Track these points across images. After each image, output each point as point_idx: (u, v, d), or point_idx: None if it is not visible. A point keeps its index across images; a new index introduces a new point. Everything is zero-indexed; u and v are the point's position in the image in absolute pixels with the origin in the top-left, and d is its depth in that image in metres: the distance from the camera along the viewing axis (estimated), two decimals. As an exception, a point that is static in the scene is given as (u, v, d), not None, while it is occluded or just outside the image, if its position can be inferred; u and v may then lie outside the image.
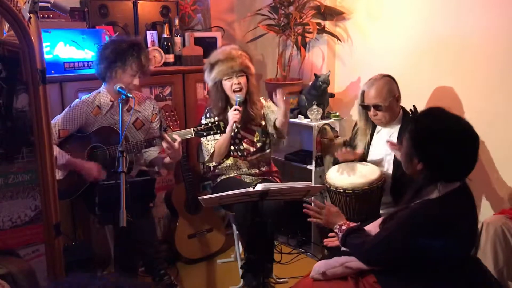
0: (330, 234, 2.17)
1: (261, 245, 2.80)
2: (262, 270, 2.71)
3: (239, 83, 2.86)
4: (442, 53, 2.94)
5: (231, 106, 2.89)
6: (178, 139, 2.66)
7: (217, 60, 2.87)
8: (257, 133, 3.03)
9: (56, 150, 2.58)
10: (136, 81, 2.72)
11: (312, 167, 3.34)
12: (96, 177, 2.63)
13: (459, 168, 1.76)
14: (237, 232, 2.87)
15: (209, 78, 2.92)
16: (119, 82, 2.67)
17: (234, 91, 2.86)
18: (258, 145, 3.04)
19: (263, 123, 3.06)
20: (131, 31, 3.41)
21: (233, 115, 2.79)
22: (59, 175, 2.66)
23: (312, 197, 2.43)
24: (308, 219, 2.18)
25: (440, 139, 1.73)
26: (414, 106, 2.71)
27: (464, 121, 1.78)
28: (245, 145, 3.00)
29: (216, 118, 2.84)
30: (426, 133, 1.77)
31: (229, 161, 3.01)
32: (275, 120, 2.98)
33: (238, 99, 2.84)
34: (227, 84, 2.88)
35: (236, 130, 2.91)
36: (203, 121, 2.96)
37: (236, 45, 3.02)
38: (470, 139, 1.74)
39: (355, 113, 3.49)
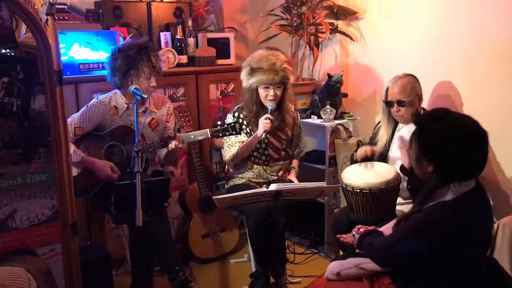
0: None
1: (273, 246, 2.82)
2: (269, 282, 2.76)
3: (275, 95, 2.82)
4: (455, 52, 2.92)
5: (263, 110, 2.86)
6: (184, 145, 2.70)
7: (260, 68, 2.80)
8: (284, 141, 3.03)
9: (71, 148, 2.61)
10: (153, 83, 2.75)
11: (325, 167, 3.33)
12: (109, 176, 2.66)
13: (470, 166, 1.74)
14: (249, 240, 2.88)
15: (247, 80, 2.86)
16: (144, 86, 2.71)
17: (268, 101, 2.83)
18: (283, 153, 3.04)
19: (290, 134, 3.06)
20: (145, 33, 3.43)
21: (263, 123, 2.75)
22: (74, 171, 2.69)
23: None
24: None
25: (446, 139, 1.72)
26: (423, 108, 2.72)
27: (469, 118, 1.77)
28: (270, 151, 2.99)
29: (232, 120, 2.84)
30: (432, 135, 1.76)
31: (251, 169, 3.00)
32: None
33: (271, 107, 2.81)
34: (262, 92, 2.85)
35: (264, 135, 2.84)
36: (228, 120, 2.97)
37: (281, 53, 2.90)
38: (477, 136, 1.73)
39: (368, 112, 3.48)
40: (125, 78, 2.69)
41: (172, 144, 2.69)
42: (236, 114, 2.96)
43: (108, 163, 2.69)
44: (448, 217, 1.70)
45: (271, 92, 2.81)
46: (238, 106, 3.01)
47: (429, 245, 1.71)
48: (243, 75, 2.89)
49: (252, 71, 2.82)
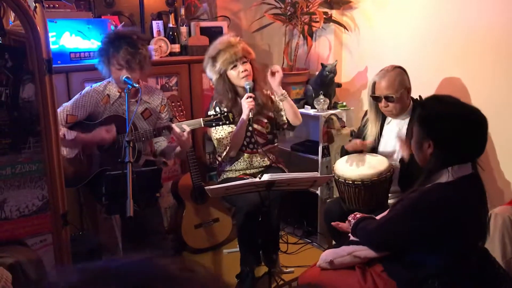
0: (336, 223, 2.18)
1: (267, 235, 2.82)
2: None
3: (245, 70, 2.81)
4: (449, 43, 2.91)
5: (240, 96, 2.86)
6: (187, 129, 2.65)
7: (218, 51, 2.81)
8: (267, 125, 3.00)
9: (63, 130, 2.58)
10: (125, 76, 2.59)
11: (318, 157, 3.33)
12: (108, 138, 2.62)
13: (468, 148, 1.76)
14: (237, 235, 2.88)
15: (213, 71, 2.85)
16: (116, 76, 2.67)
17: (242, 78, 2.82)
18: (269, 136, 3.02)
19: (272, 115, 3.03)
20: (137, 21, 3.40)
21: (247, 102, 2.74)
22: (66, 153, 2.66)
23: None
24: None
25: (448, 117, 1.75)
26: (420, 96, 2.69)
27: (471, 105, 1.81)
28: (256, 138, 2.96)
29: (225, 110, 2.82)
30: (435, 112, 1.79)
31: (242, 158, 2.98)
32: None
33: (248, 86, 2.79)
34: (233, 74, 2.83)
35: (248, 122, 2.82)
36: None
37: (232, 33, 2.98)
38: (478, 119, 1.76)
39: (362, 103, 3.48)
40: (99, 63, 2.69)
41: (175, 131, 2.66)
42: (217, 109, 2.91)
43: (101, 128, 2.64)
44: (442, 198, 1.72)
45: (240, 68, 2.81)
46: (215, 101, 2.95)
47: (421, 225, 1.72)
48: (208, 70, 2.89)
49: (214, 59, 2.83)
